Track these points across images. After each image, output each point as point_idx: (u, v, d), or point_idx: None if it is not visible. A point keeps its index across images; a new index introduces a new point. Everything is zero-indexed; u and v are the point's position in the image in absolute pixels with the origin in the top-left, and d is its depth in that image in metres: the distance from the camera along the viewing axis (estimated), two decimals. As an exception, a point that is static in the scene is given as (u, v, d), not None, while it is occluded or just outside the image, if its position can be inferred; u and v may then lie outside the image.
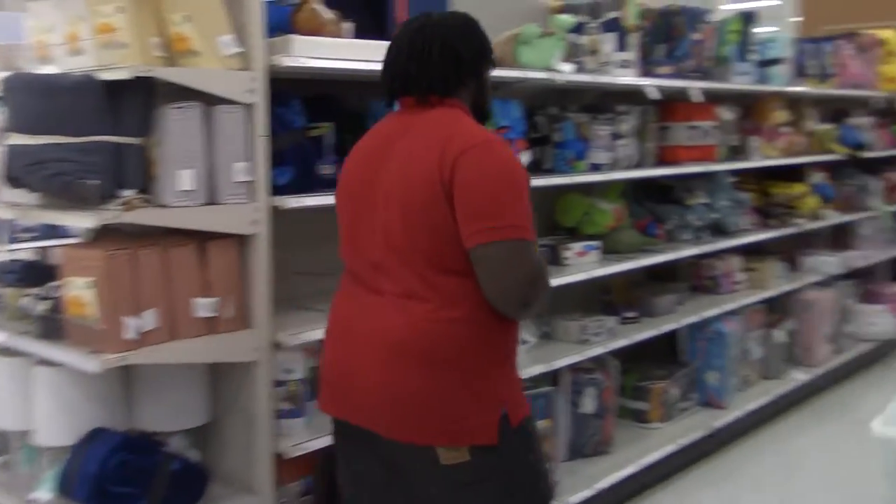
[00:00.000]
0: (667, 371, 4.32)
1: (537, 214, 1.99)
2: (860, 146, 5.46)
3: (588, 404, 3.77)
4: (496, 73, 3.19)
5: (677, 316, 4.23)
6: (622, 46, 3.77)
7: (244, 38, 2.51)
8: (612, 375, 3.88)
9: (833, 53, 5.31)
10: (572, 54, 3.56)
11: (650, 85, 3.80)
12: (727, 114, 4.49)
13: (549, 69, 3.33)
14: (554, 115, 3.73)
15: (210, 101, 2.46)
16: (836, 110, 5.84)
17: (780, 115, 4.85)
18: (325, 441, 2.69)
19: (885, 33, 5.85)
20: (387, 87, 2.08)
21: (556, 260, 3.67)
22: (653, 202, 4.45)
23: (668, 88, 3.94)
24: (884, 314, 5.78)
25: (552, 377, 3.61)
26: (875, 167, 6.01)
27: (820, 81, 5.17)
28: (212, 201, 2.48)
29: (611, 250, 3.91)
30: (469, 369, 1.90)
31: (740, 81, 4.48)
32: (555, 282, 3.43)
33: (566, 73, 3.38)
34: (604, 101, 4.02)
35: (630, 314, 4.06)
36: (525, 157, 3.42)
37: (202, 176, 2.44)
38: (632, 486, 3.77)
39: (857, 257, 5.61)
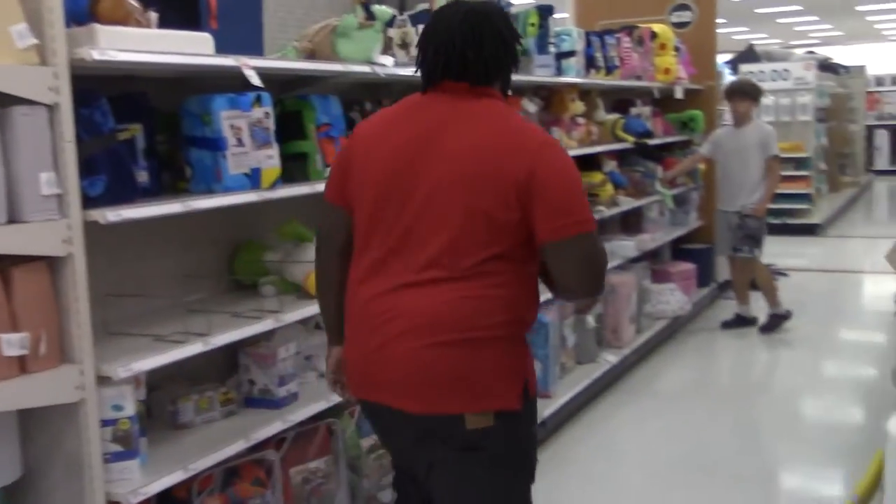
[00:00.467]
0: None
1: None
2: (645, 134, 5.75)
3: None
4: (317, 66, 3.03)
5: (500, 309, 4.21)
6: (434, 39, 3.69)
7: (39, 28, 2.16)
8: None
9: (615, 46, 5.54)
10: (385, 48, 3.43)
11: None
12: (532, 106, 4.54)
13: (370, 62, 3.18)
14: (370, 110, 3.58)
15: (3, 102, 2.10)
16: (618, 101, 6.12)
17: (577, 107, 4.99)
18: (166, 482, 2.41)
19: (657, 27, 6.20)
20: (438, 71, 2.05)
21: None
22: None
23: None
24: (674, 292, 6.14)
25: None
26: (655, 154, 6.36)
27: (607, 73, 5.38)
28: (14, 220, 2.12)
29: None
30: (504, 344, 2.01)
31: (541, 74, 4.55)
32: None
33: (388, 66, 3.24)
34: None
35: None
36: (349, 156, 3.25)
37: (0, 191, 2.08)
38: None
39: (648, 240, 5.90)
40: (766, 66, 10.91)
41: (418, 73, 2.11)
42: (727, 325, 6.41)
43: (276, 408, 2.90)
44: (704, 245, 7.02)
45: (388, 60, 3.25)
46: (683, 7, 6.89)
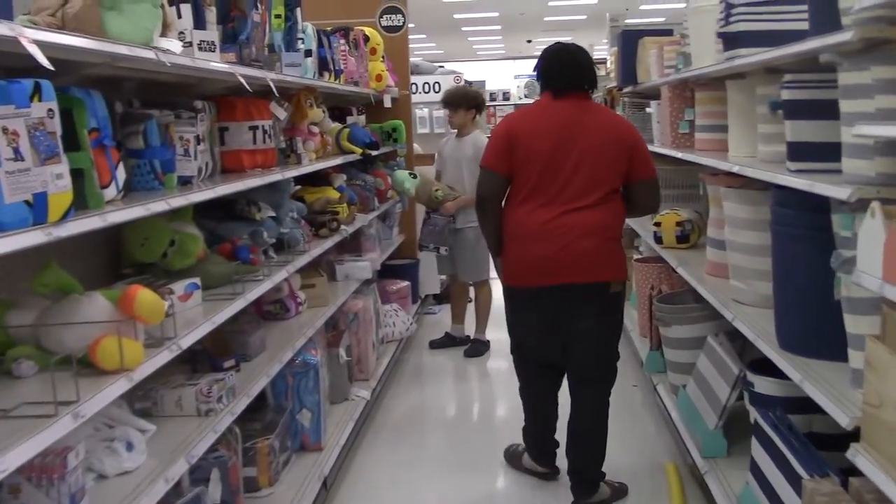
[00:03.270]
0: (261, 423, 3.57)
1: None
2: (372, 144, 5.27)
3: (216, 492, 2.86)
4: (81, 44, 2.13)
5: (272, 352, 3.51)
6: (200, 23, 2.92)
7: None
8: (235, 447, 3.02)
9: (337, 49, 5.02)
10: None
11: (250, 75, 3.01)
12: (281, 111, 3.87)
13: (153, 47, 2.35)
14: (130, 112, 2.71)
15: None
16: (333, 108, 5.59)
17: (316, 113, 4.39)
18: None
19: (367, 30, 5.78)
20: (565, 85, 3.51)
21: (158, 311, 2.67)
22: (212, 221, 3.63)
23: (256, 80, 3.19)
24: (399, 312, 5.76)
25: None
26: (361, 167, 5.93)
27: (336, 77, 4.84)
28: None
29: (203, 286, 3.04)
30: (620, 242, 3.57)
31: (290, 73, 3.90)
32: (187, 341, 2.52)
33: (175, 53, 2.43)
34: (151, 95, 3.07)
35: (229, 362, 3.22)
36: (122, 174, 2.39)
37: None
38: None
39: (377, 258, 5.45)
40: (419, 79, 10.99)
41: (544, 88, 3.57)
42: (435, 344, 6.18)
43: (67, 541, 1.98)
44: (409, 260, 6.76)
45: (174, 46, 2.44)
46: (394, 10, 6.54)
